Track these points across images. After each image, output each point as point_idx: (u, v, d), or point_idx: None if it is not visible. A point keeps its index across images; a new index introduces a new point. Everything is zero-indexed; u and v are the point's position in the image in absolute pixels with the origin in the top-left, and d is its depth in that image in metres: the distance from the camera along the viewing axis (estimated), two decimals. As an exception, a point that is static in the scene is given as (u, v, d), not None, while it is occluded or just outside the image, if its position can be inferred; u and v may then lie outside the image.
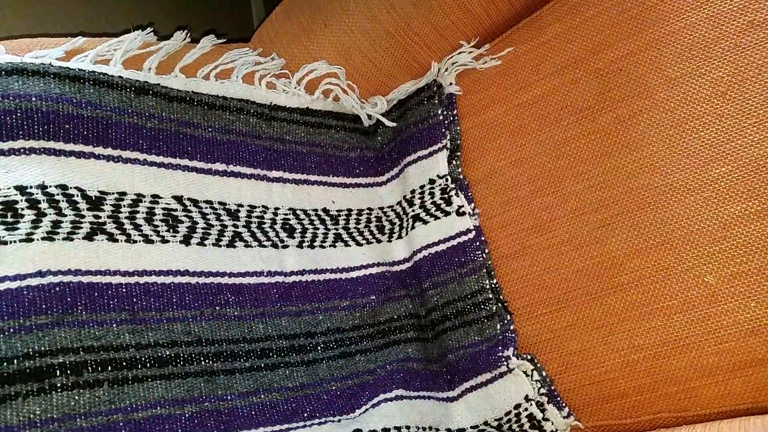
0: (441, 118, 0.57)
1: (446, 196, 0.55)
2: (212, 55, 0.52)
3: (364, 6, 0.55)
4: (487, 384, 0.50)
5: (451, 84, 0.58)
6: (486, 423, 0.49)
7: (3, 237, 0.38)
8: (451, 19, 0.56)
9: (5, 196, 0.39)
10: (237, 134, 0.50)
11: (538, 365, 0.50)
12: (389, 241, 0.58)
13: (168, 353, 0.42)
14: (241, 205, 0.49)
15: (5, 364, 0.37)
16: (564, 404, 0.48)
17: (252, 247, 0.49)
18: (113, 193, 0.43)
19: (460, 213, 0.54)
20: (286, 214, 0.52)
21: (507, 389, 0.49)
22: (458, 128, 0.56)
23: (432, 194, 0.56)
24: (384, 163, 0.60)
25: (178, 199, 0.46)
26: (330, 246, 0.54)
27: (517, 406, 0.49)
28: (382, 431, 0.46)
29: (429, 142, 0.57)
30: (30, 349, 0.38)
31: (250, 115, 0.52)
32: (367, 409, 0.48)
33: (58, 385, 0.37)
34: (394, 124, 0.59)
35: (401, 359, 0.53)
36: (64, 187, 0.41)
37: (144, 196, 0.44)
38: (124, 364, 0.40)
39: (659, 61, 0.46)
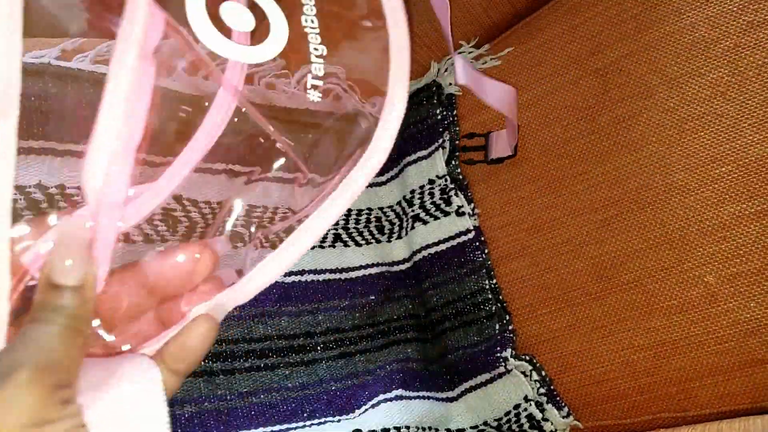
0: (440, 118, 0.57)
1: (446, 196, 0.55)
2: (213, 55, 0.52)
3: (364, 6, 0.55)
4: (487, 384, 0.50)
5: (450, 84, 0.57)
6: (486, 423, 0.49)
7: (2, 237, 0.38)
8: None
9: (4, 196, 0.39)
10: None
11: (538, 365, 0.50)
12: (389, 241, 0.57)
13: (167, 353, 0.42)
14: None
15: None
16: (563, 404, 0.48)
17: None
18: (112, 193, 0.43)
19: (459, 213, 0.54)
20: (285, 214, 0.52)
21: (506, 390, 0.49)
22: (458, 128, 0.56)
23: (432, 194, 0.56)
24: (383, 163, 0.60)
25: (177, 198, 0.46)
26: (329, 246, 0.54)
27: (517, 407, 0.49)
28: (382, 431, 0.46)
29: (428, 142, 0.57)
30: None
31: (250, 115, 0.52)
32: (366, 410, 0.48)
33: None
34: (394, 124, 0.59)
35: (401, 359, 0.53)
36: (62, 187, 0.41)
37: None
38: (124, 364, 0.40)
39: (659, 62, 0.46)
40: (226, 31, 0.31)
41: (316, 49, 0.36)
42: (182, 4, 0.30)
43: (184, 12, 0.30)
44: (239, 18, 0.31)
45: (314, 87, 0.36)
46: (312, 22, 0.35)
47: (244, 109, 0.35)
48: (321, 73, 0.36)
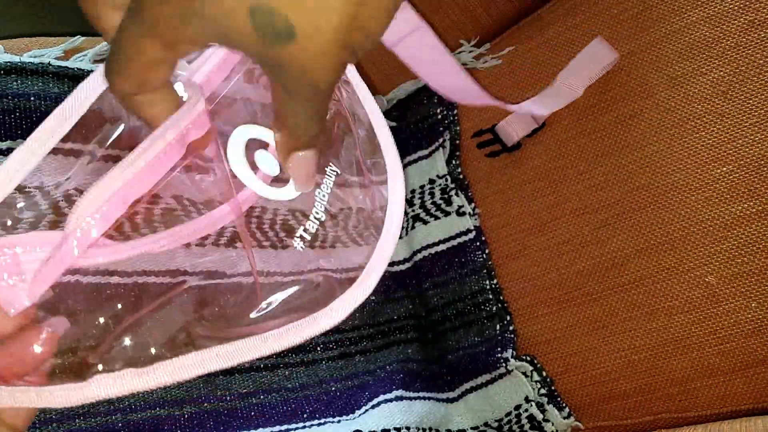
0: (441, 117, 0.56)
1: (446, 196, 0.55)
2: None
3: (364, 5, 0.55)
4: (487, 385, 0.50)
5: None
6: (486, 424, 0.49)
7: (1, 237, 0.38)
8: (451, 18, 0.55)
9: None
10: (236, 134, 0.50)
11: (538, 366, 0.49)
12: (389, 241, 0.57)
13: (167, 354, 0.42)
14: (240, 205, 0.49)
15: (3, 364, 0.37)
16: (564, 405, 0.48)
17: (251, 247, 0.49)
18: (112, 193, 0.43)
19: (460, 213, 0.54)
20: (285, 214, 0.52)
21: (507, 390, 0.49)
22: (458, 128, 0.56)
23: (432, 194, 0.56)
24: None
25: (178, 198, 0.46)
26: (329, 246, 0.54)
27: (517, 407, 0.48)
28: (382, 432, 0.46)
29: (429, 142, 0.57)
30: (28, 350, 0.38)
31: (250, 115, 0.52)
32: (366, 410, 0.48)
33: (56, 385, 0.37)
34: (394, 124, 0.59)
35: (401, 360, 0.53)
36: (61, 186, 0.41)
37: (143, 196, 0.44)
38: (123, 364, 0.40)
39: (660, 61, 0.46)
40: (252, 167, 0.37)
41: (317, 212, 0.41)
42: (228, 134, 0.35)
43: (227, 139, 0.35)
44: (269, 164, 0.37)
45: (301, 238, 0.40)
46: (327, 189, 0.41)
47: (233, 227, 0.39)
48: (313, 230, 0.41)
